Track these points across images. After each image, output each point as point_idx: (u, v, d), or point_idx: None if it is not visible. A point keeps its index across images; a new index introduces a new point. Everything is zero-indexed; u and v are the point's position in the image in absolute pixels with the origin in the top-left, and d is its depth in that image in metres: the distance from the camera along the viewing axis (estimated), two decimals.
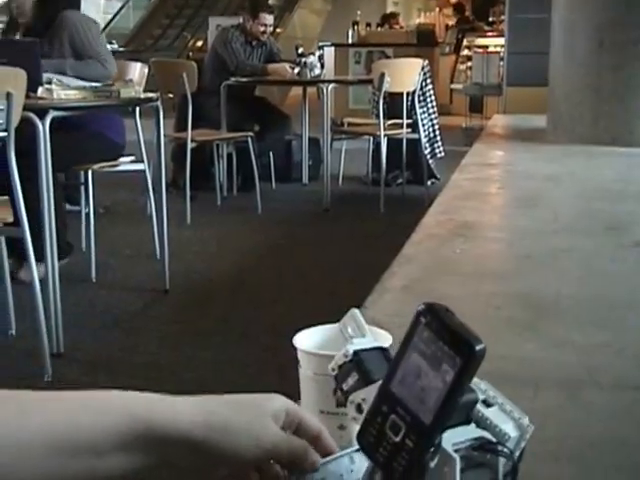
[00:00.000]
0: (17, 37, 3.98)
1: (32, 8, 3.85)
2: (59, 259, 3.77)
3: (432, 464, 0.74)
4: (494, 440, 0.79)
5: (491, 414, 0.81)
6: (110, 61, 3.90)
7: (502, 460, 0.79)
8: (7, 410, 0.67)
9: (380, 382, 0.79)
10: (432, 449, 0.74)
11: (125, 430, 0.67)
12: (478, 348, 0.72)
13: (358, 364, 0.86)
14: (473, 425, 0.79)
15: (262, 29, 6.33)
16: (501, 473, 0.79)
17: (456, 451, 0.75)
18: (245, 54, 6.29)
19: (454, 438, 0.76)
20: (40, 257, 2.89)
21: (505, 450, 0.79)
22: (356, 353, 0.86)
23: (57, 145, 3.03)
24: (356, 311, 0.91)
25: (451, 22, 16.32)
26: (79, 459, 0.66)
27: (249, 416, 0.73)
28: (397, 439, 0.75)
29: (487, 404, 0.82)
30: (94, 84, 3.44)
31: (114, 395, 0.72)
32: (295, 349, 1.24)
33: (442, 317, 0.76)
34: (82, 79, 3.53)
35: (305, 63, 6.29)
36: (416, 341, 0.76)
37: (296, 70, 6.29)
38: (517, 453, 0.81)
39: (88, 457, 0.66)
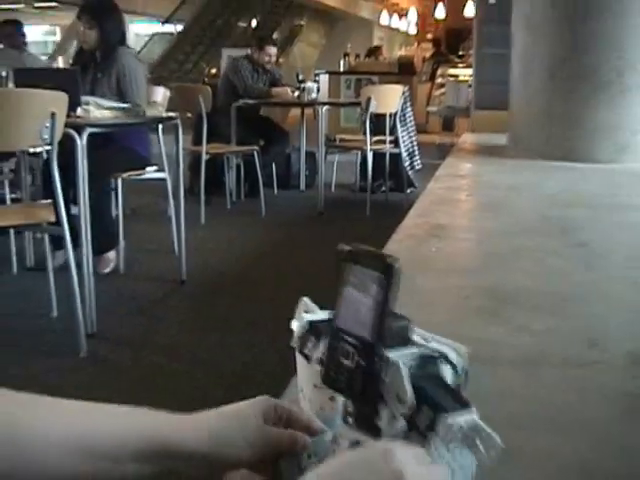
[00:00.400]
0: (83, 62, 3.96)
1: (95, 39, 3.85)
2: (110, 249, 3.80)
3: (386, 378, 0.75)
4: (436, 354, 0.79)
5: (430, 343, 0.81)
6: (141, 105, 3.88)
7: (449, 370, 0.79)
8: (56, 412, 0.73)
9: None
10: (380, 362, 0.74)
11: (143, 446, 0.69)
12: (395, 264, 0.74)
13: (314, 330, 0.85)
14: (414, 348, 0.79)
15: (267, 59, 6.32)
16: (451, 382, 0.79)
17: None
18: (252, 80, 6.29)
19: (401, 355, 0.76)
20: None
21: (449, 360, 0.79)
22: (310, 323, 0.86)
23: (95, 158, 3.04)
24: (305, 299, 0.90)
25: (428, 54, 16.31)
26: (100, 462, 0.69)
27: (240, 423, 0.74)
28: (350, 363, 0.76)
29: (425, 340, 0.82)
30: (124, 105, 3.44)
31: (138, 413, 0.73)
32: (292, 332, 1.25)
33: (360, 249, 0.78)
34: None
35: (304, 88, 6.30)
36: (346, 277, 0.77)
37: (296, 93, 6.30)
38: (461, 371, 0.80)
39: (108, 462, 0.69)
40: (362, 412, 0.79)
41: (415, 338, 0.81)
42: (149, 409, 0.73)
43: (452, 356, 0.81)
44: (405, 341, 0.79)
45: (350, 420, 0.81)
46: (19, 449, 0.68)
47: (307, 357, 0.87)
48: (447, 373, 0.80)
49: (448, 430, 0.73)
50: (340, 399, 0.83)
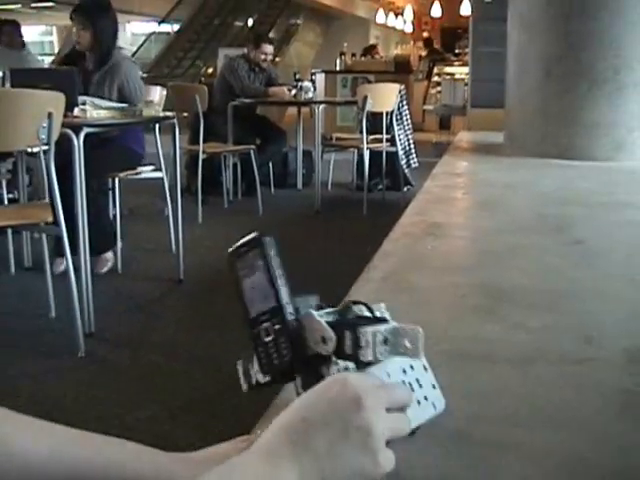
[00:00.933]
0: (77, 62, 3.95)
1: (89, 40, 3.84)
2: (108, 249, 3.80)
3: (306, 332, 0.78)
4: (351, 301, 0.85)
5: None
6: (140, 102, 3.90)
7: (365, 311, 0.84)
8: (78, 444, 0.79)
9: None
10: (293, 319, 0.79)
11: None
12: (265, 236, 0.83)
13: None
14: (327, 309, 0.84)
15: (263, 57, 6.31)
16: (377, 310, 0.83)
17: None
18: (249, 79, 6.28)
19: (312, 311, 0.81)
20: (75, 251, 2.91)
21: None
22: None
23: (92, 158, 3.04)
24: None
25: (424, 53, 16.31)
26: None
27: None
28: (272, 335, 0.80)
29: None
30: (121, 105, 3.44)
31: (146, 452, 0.78)
32: None
33: (237, 244, 0.85)
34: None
35: (301, 87, 6.30)
36: (239, 274, 0.84)
37: (293, 92, 6.29)
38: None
39: None
40: (311, 387, 0.81)
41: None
42: (139, 445, 0.76)
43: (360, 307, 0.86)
44: (317, 308, 0.85)
45: None
46: (16, 467, 0.69)
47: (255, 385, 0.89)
48: (364, 313, 0.85)
49: (370, 339, 0.77)
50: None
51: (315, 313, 0.80)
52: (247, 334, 0.83)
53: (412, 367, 0.81)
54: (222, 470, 0.61)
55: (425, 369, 0.82)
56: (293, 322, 0.79)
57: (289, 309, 0.79)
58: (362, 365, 0.78)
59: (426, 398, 0.82)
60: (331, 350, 0.78)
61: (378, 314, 0.86)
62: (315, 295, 0.86)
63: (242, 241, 0.84)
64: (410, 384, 0.79)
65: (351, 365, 0.78)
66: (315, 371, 0.80)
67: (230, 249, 0.84)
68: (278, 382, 0.86)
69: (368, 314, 0.86)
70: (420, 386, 0.81)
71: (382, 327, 0.79)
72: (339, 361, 0.79)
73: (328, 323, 0.79)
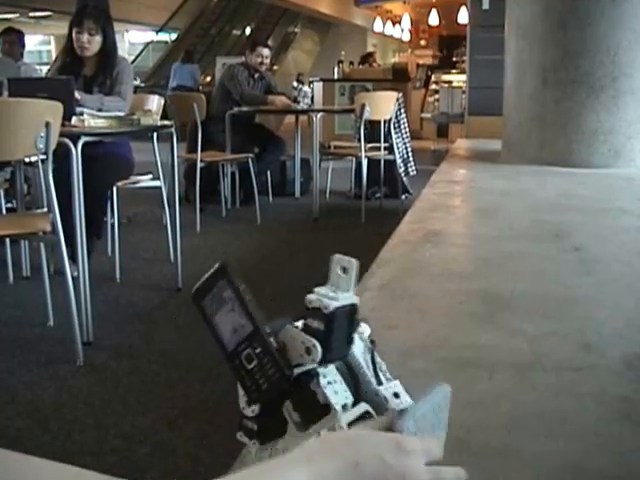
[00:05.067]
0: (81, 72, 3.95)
1: (98, 46, 3.84)
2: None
3: (288, 349, 0.78)
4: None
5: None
6: (129, 101, 3.90)
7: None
8: None
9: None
10: (272, 338, 0.78)
11: None
12: (225, 264, 0.81)
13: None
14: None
15: (259, 60, 6.30)
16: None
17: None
18: (249, 86, 6.29)
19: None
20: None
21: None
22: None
23: (95, 168, 3.05)
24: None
25: (421, 61, 16.35)
26: None
27: None
28: (255, 360, 0.79)
29: None
30: (119, 113, 3.45)
31: None
32: None
33: (200, 282, 0.83)
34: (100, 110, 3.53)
35: (301, 89, 6.33)
36: (208, 312, 0.81)
37: (295, 84, 6.31)
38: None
39: None
40: (305, 408, 0.81)
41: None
42: None
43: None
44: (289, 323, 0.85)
45: (303, 428, 0.82)
46: None
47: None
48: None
49: (317, 296, 0.78)
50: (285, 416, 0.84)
51: (290, 326, 0.79)
52: (229, 372, 0.82)
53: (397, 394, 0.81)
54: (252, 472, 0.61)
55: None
56: (273, 341, 0.78)
57: (266, 329, 0.78)
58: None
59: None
60: (318, 358, 0.77)
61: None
62: (288, 318, 0.86)
63: (204, 277, 0.82)
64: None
65: (336, 374, 0.79)
66: (305, 388, 0.79)
67: (193, 289, 0.82)
68: (268, 412, 0.85)
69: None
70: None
71: (321, 287, 0.80)
72: (325, 371, 0.79)
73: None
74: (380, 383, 0.83)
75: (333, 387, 0.80)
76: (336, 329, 0.78)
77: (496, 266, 2.87)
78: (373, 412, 0.81)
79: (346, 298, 0.79)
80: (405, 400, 0.84)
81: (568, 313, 2.25)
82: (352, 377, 0.82)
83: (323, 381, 0.78)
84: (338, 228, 5.42)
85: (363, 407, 0.81)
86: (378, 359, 0.85)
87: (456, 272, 2.80)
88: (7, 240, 3.65)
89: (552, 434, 1.40)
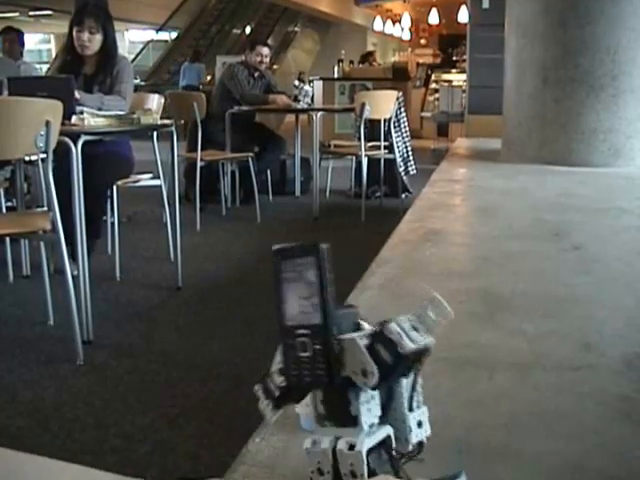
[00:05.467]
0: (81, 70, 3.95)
1: (99, 45, 3.84)
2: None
3: (346, 358, 0.76)
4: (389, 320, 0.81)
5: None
6: (129, 100, 3.90)
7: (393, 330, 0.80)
8: None
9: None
10: (335, 341, 0.75)
11: None
12: (322, 245, 0.78)
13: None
14: (365, 330, 0.81)
15: (259, 59, 6.31)
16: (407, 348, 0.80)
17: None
18: (249, 85, 6.29)
19: (354, 335, 0.78)
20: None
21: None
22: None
23: (95, 167, 3.04)
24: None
25: (421, 60, 16.32)
26: None
27: None
28: (309, 353, 0.76)
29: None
30: (119, 112, 3.44)
31: None
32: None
33: (289, 245, 0.81)
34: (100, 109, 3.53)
35: (303, 89, 6.32)
36: (283, 276, 0.80)
37: (296, 83, 6.30)
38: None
39: None
40: (334, 408, 0.80)
41: (365, 325, 0.83)
42: None
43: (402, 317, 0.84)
44: (357, 327, 0.82)
45: (326, 422, 0.82)
46: None
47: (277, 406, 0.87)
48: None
49: (398, 329, 0.77)
50: (308, 406, 0.83)
51: (359, 341, 0.76)
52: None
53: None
54: None
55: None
56: (336, 346, 0.76)
57: (333, 331, 0.76)
58: (401, 369, 0.76)
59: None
60: (371, 385, 0.76)
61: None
62: (355, 309, 0.84)
63: (293, 244, 0.80)
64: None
65: (376, 395, 0.78)
66: (343, 394, 0.78)
67: (276, 247, 0.80)
68: (295, 390, 0.83)
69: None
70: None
71: (404, 316, 0.78)
72: (371, 394, 0.78)
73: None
74: (411, 409, 0.82)
75: (368, 405, 0.79)
76: (401, 368, 0.77)
77: (496, 265, 2.86)
78: (393, 438, 0.81)
79: (423, 341, 0.78)
80: (426, 430, 0.83)
81: (568, 312, 2.25)
82: (388, 395, 0.81)
83: (362, 398, 0.77)
84: (338, 227, 5.42)
85: (386, 431, 0.81)
86: (420, 382, 0.84)
87: (456, 271, 2.80)
88: (7, 239, 3.65)
89: (552, 434, 1.40)
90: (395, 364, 0.76)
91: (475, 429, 1.38)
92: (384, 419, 0.81)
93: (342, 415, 0.79)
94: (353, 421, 0.79)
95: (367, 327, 0.83)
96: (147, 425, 2.22)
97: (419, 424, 0.83)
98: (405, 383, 0.82)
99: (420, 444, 0.83)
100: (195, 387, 2.53)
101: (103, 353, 2.88)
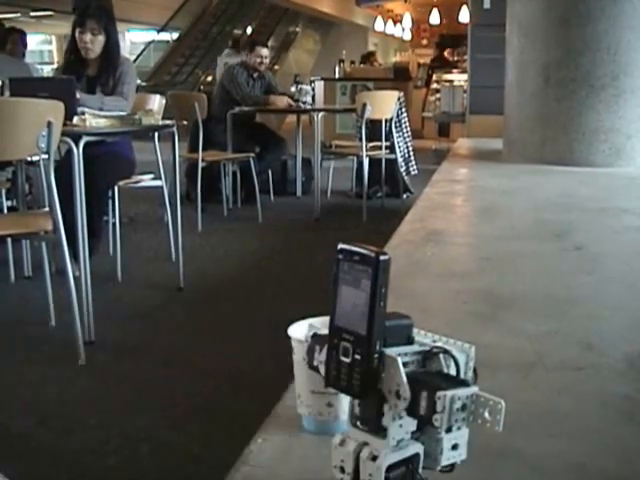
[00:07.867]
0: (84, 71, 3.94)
1: (101, 46, 3.83)
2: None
3: (383, 373, 0.75)
4: (437, 350, 0.80)
5: (436, 343, 0.83)
6: (131, 101, 3.89)
7: (452, 366, 0.80)
8: None
9: None
10: (376, 355, 0.75)
11: None
12: (382, 257, 0.76)
13: (318, 340, 0.84)
14: (416, 346, 0.80)
15: (259, 60, 6.30)
16: (463, 365, 0.80)
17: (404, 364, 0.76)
18: (248, 86, 6.29)
19: (400, 351, 0.77)
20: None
21: (452, 355, 0.80)
22: (314, 334, 0.84)
23: (96, 167, 3.04)
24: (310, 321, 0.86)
25: (422, 60, 16.32)
26: None
27: None
28: (348, 359, 0.76)
29: (433, 341, 0.83)
30: (120, 113, 3.44)
31: None
32: (290, 338, 1.24)
33: (353, 248, 0.79)
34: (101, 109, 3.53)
35: (301, 89, 6.32)
36: (341, 276, 0.78)
37: (294, 90, 6.29)
38: (464, 367, 0.80)
39: None
40: (368, 414, 0.79)
41: (421, 338, 0.82)
42: None
43: (455, 353, 0.82)
44: (408, 339, 0.80)
45: (358, 424, 0.81)
46: None
47: (316, 369, 0.86)
48: (450, 369, 0.81)
49: (447, 405, 0.74)
50: (341, 403, 0.83)
51: (400, 361, 0.75)
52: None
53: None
54: None
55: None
56: (376, 359, 0.75)
57: (375, 345, 0.75)
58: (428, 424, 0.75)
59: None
60: (400, 409, 0.75)
61: (462, 372, 0.83)
62: (409, 320, 0.82)
63: (359, 247, 0.79)
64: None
65: (412, 426, 0.76)
66: (379, 406, 0.78)
67: (342, 245, 0.80)
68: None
69: (453, 371, 0.81)
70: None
71: (462, 392, 0.75)
72: (403, 415, 0.77)
73: (408, 375, 0.75)
74: (449, 429, 0.79)
75: (401, 421, 0.79)
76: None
77: (497, 265, 2.86)
78: (422, 456, 0.80)
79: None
80: (460, 454, 0.82)
81: (570, 312, 2.25)
82: None
83: (396, 421, 0.77)
84: (339, 227, 5.41)
85: (415, 449, 0.80)
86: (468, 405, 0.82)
87: (457, 271, 2.80)
88: (9, 239, 3.65)
89: (554, 434, 1.39)
90: (424, 422, 0.76)
91: (475, 429, 1.38)
92: (418, 434, 0.80)
93: (374, 422, 0.79)
94: (383, 432, 0.78)
95: (422, 338, 0.82)
96: (148, 425, 2.22)
97: (454, 447, 0.82)
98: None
99: (451, 466, 0.82)
100: (197, 387, 2.52)
101: (104, 353, 2.88)
